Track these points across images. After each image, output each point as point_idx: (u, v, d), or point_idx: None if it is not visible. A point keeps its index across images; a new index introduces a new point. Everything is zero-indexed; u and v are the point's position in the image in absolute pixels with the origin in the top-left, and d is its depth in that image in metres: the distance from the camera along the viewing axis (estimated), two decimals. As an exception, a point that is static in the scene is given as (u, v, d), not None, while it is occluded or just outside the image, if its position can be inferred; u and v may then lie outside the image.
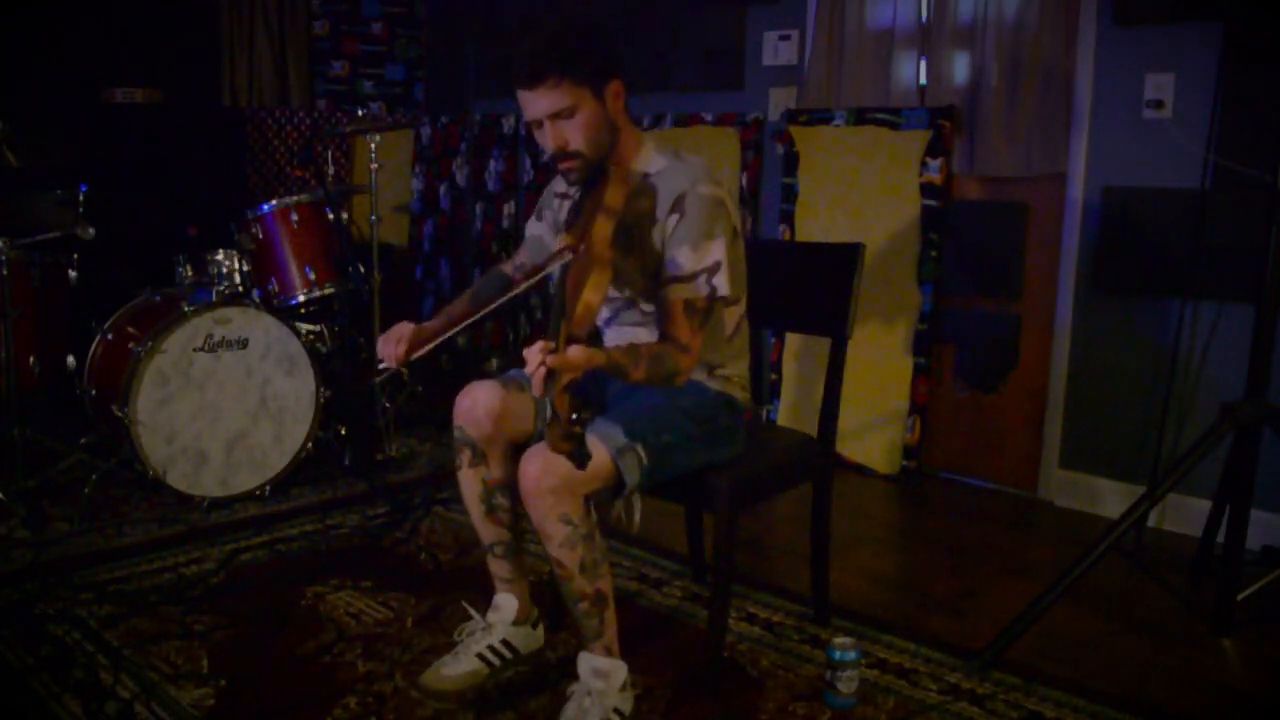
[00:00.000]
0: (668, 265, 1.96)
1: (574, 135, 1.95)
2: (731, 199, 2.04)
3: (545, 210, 2.30)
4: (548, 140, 1.97)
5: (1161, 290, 3.19)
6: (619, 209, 1.90)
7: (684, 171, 2.00)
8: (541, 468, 1.85)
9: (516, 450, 2.06)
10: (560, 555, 1.89)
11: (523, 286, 2.02)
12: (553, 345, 1.67)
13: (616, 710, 1.97)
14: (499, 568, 2.15)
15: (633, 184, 1.98)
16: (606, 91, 1.96)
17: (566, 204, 2.24)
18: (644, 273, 2.01)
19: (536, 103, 1.93)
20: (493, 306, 2.06)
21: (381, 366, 2.05)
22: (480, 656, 2.08)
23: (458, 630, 2.16)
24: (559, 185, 2.27)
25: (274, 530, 3.05)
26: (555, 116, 1.93)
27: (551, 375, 1.65)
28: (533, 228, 2.32)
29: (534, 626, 2.20)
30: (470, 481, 2.09)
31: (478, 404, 2.04)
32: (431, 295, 5.38)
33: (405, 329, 2.03)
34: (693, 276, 1.94)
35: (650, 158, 2.06)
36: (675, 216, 1.96)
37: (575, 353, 1.69)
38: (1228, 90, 2.98)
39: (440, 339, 2.02)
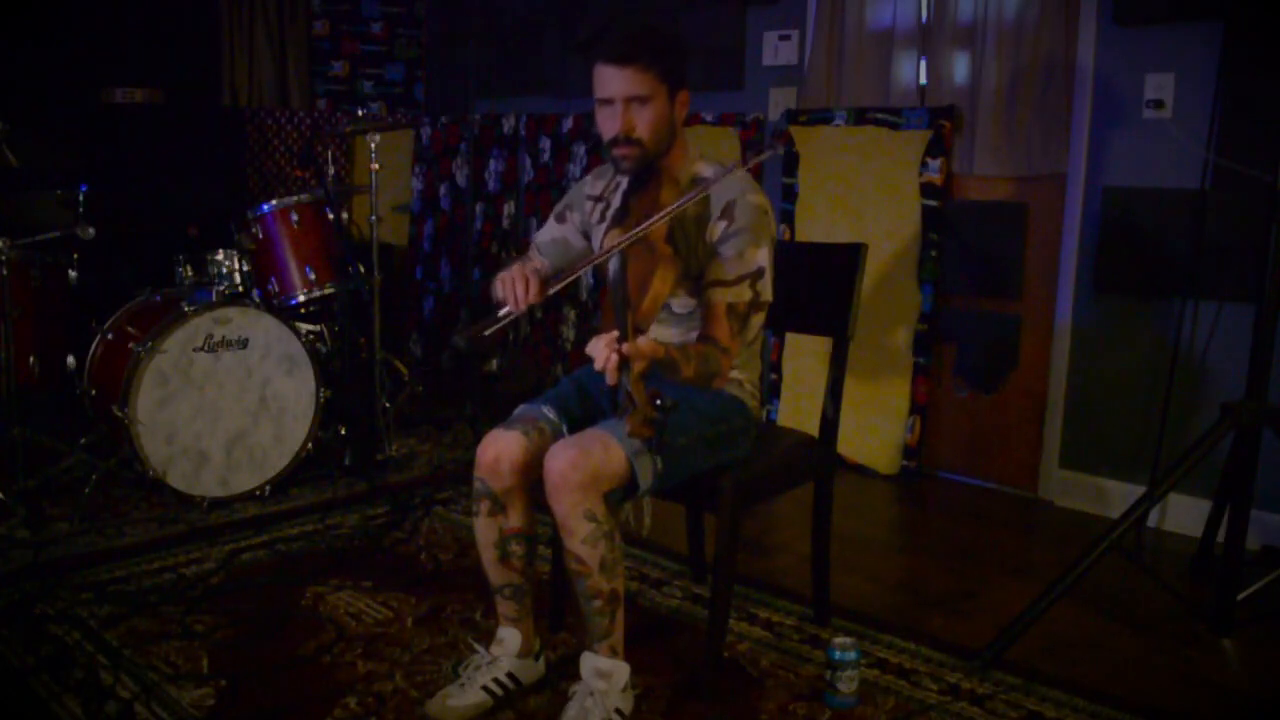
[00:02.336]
0: (713, 269, 2.01)
1: (642, 123, 2.01)
2: (772, 209, 2.10)
3: (572, 212, 2.29)
4: (616, 121, 2.01)
5: (1161, 290, 3.19)
6: (672, 207, 1.93)
7: (732, 180, 2.06)
8: (569, 463, 1.85)
9: (534, 492, 2.06)
10: (581, 551, 1.89)
11: (579, 271, 2.00)
12: (616, 335, 1.70)
13: (618, 711, 1.97)
14: (506, 607, 2.14)
15: (683, 187, 2.02)
16: (677, 98, 2.05)
17: (600, 207, 2.24)
18: (687, 274, 2.05)
19: (620, 81, 1.99)
20: (566, 282, 1.99)
21: (504, 312, 1.96)
22: (486, 689, 2.07)
23: (461, 665, 2.14)
24: (590, 187, 2.28)
25: (274, 530, 3.05)
26: (630, 100, 1.99)
27: (625, 364, 1.69)
28: (553, 230, 2.31)
29: (536, 659, 2.18)
30: (486, 530, 2.08)
31: (502, 459, 2.02)
32: (432, 295, 5.38)
33: (529, 268, 2.00)
34: (737, 281, 2.00)
35: (698, 165, 2.12)
36: (724, 222, 2.03)
37: (645, 342, 1.74)
38: (1228, 90, 2.98)
39: (567, 280, 1.95)
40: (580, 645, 2.02)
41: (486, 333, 1.94)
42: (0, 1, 4.39)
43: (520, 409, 2.12)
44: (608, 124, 2.03)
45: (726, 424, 2.10)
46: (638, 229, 1.85)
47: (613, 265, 1.85)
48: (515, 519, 2.07)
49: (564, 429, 2.07)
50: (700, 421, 2.04)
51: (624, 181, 2.16)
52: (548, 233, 2.32)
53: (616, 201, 2.20)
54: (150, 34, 4.79)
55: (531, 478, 2.04)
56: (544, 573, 2.66)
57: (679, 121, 2.08)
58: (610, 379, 1.69)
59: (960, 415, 3.72)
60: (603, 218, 2.22)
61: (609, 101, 2.01)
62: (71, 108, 4.50)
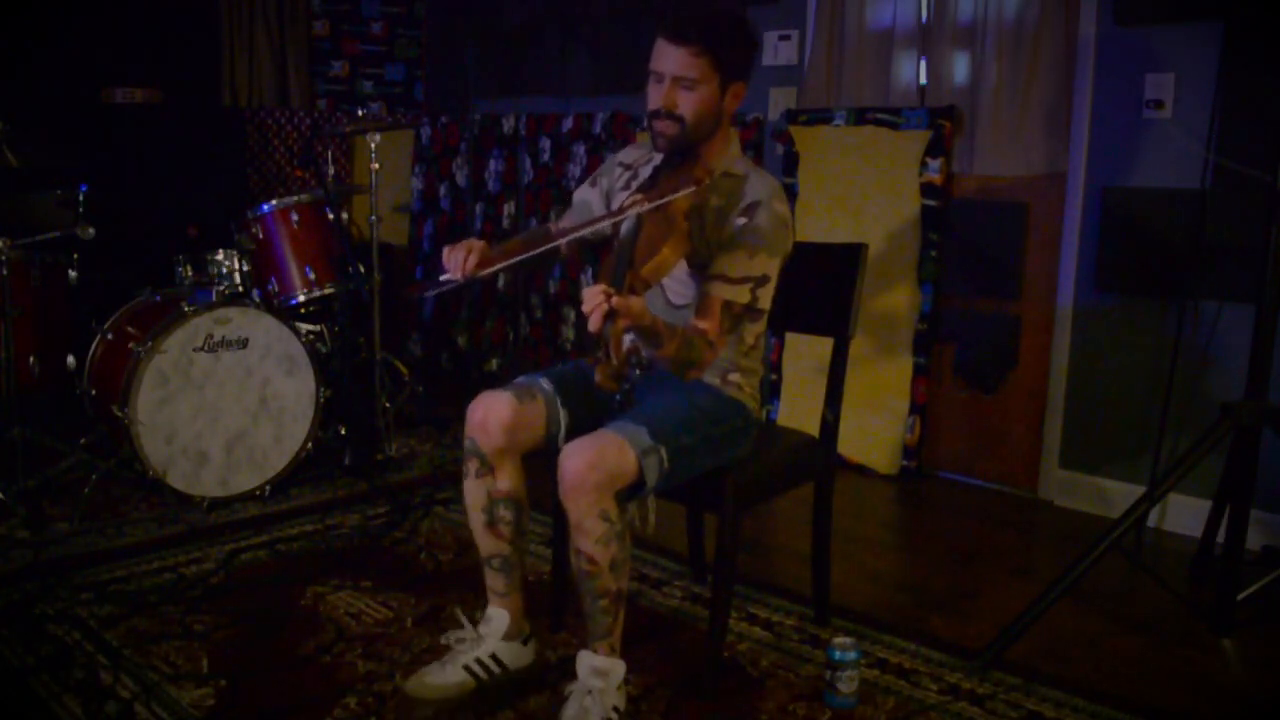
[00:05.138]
0: (720, 262, 2.01)
1: (685, 104, 2.01)
2: (793, 224, 2.10)
3: (603, 177, 2.31)
4: (660, 95, 2.02)
5: (1161, 290, 3.19)
6: (703, 189, 1.96)
7: (762, 183, 2.06)
8: (588, 463, 1.85)
9: (524, 459, 2.07)
10: (594, 551, 1.90)
11: (590, 229, 2.01)
12: (613, 290, 1.72)
13: (615, 709, 1.97)
14: (495, 580, 2.13)
15: (715, 176, 2.03)
16: (730, 88, 2.04)
17: (627, 174, 2.25)
18: (693, 262, 2.05)
19: (672, 59, 1.99)
20: (556, 243, 2.02)
21: (444, 278, 1.99)
22: (468, 668, 2.06)
23: (446, 635, 2.13)
24: (625, 156, 2.30)
25: (274, 530, 3.05)
26: (678, 79, 1.99)
27: (611, 316, 1.70)
28: (583, 193, 2.32)
29: (524, 643, 2.17)
30: (475, 492, 2.07)
31: (490, 416, 2.02)
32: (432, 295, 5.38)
33: (476, 243, 2.02)
34: (740, 281, 2.00)
35: (735, 160, 2.12)
36: (743, 220, 2.02)
37: (638, 302, 1.76)
38: (1228, 90, 2.98)
39: (508, 263, 2.00)
40: (581, 645, 2.02)
41: (427, 294, 1.98)
42: (0, 2, 4.39)
43: (519, 378, 2.13)
44: (653, 96, 2.03)
45: (728, 424, 2.10)
46: (660, 200, 1.86)
47: (626, 225, 1.86)
48: (504, 482, 2.06)
49: (558, 401, 2.08)
50: (704, 421, 2.05)
51: (657, 158, 2.16)
52: (580, 194, 2.34)
53: (644, 175, 2.20)
54: (150, 34, 4.79)
55: (520, 441, 2.05)
56: (543, 573, 2.66)
57: (727, 113, 2.07)
58: (593, 325, 1.71)
59: (960, 415, 3.72)
60: (627, 185, 2.23)
61: (659, 76, 2.01)
62: (71, 108, 4.50)
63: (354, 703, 2.09)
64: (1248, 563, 2.56)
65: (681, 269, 2.07)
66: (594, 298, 1.70)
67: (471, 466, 2.06)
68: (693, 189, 1.88)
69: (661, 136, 2.04)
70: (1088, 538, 2.54)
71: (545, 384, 2.10)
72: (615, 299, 1.70)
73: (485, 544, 2.11)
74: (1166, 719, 2.11)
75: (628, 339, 1.74)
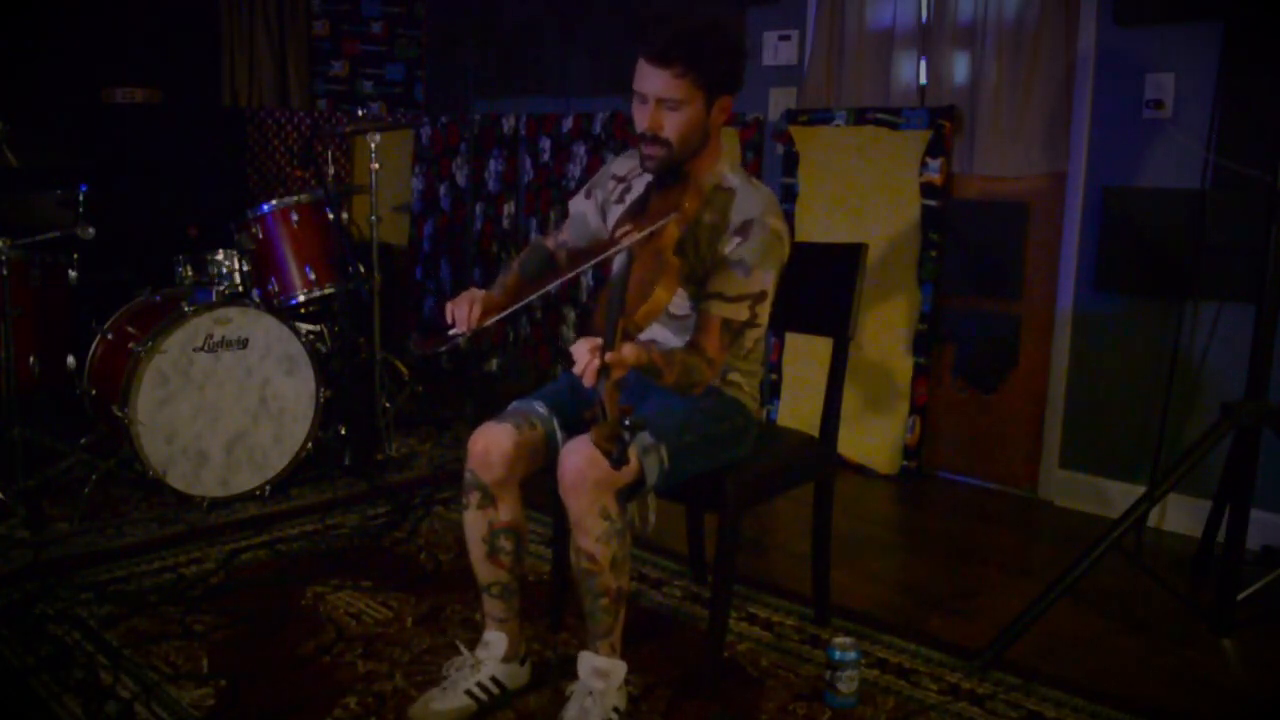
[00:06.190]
0: (717, 281, 2.00)
1: (670, 126, 1.98)
2: (789, 236, 2.08)
3: (596, 189, 2.29)
4: (645, 118, 1.99)
5: (1161, 290, 3.19)
6: (692, 218, 1.96)
7: (755, 198, 2.04)
8: (587, 460, 1.84)
9: (524, 486, 2.07)
10: (594, 549, 1.89)
11: (582, 268, 2.03)
12: (600, 342, 1.70)
13: (615, 709, 1.97)
14: (493, 607, 2.12)
15: (706, 193, 2.02)
16: (716, 102, 2.01)
17: (620, 187, 2.24)
18: (690, 280, 2.04)
19: (654, 80, 1.96)
20: (553, 285, 2.07)
21: (453, 332, 2.01)
22: (469, 693, 2.06)
23: (446, 665, 2.14)
24: (618, 168, 2.27)
25: (274, 530, 3.05)
26: (662, 101, 1.97)
27: (604, 370, 1.68)
28: (579, 204, 2.31)
29: (521, 664, 2.16)
30: (476, 524, 2.06)
31: (492, 449, 2.01)
32: (432, 295, 5.38)
33: (478, 294, 2.04)
34: (738, 299, 1.99)
35: (725, 174, 2.10)
36: (738, 239, 2.01)
37: (629, 351, 1.75)
38: (1228, 90, 2.98)
39: (511, 309, 2.04)
40: (581, 645, 2.02)
41: (440, 349, 2.00)
42: (0, 1, 4.39)
43: (514, 404, 2.12)
44: (638, 118, 2.01)
45: (728, 423, 2.11)
46: (649, 228, 1.86)
47: (617, 263, 1.85)
48: (505, 513, 2.06)
49: (555, 424, 2.07)
50: (704, 420, 2.05)
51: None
52: (576, 205, 2.32)
53: (638, 188, 2.17)
54: (150, 34, 4.79)
55: (520, 471, 2.05)
56: (543, 573, 2.66)
57: (715, 126, 2.04)
58: (588, 382, 1.70)
59: (960, 415, 3.72)
60: (621, 199, 2.21)
61: (643, 97, 1.98)
62: (71, 108, 4.50)
63: (354, 703, 2.09)
64: (1248, 563, 2.56)
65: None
66: (585, 356, 1.70)
67: (473, 499, 2.05)
68: (678, 216, 1.88)
69: (650, 159, 2.02)
70: (1088, 538, 2.53)
71: (540, 408, 2.09)
72: (609, 355, 1.68)
73: (485, 573, 2.10)
74: (1166, 719, 2.12)
75: (621, 396, 1.72)
